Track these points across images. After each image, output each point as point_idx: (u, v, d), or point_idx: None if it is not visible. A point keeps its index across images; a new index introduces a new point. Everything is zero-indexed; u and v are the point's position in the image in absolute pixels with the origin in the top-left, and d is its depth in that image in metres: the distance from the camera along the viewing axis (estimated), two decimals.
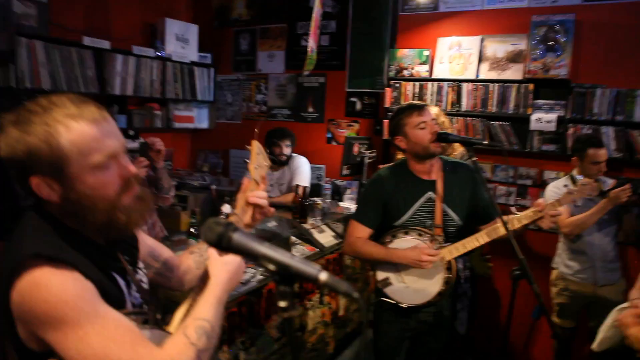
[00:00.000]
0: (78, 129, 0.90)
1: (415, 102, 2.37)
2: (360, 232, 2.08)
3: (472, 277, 3.09)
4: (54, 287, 0.83)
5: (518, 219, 1.90)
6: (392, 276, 2.04)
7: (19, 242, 0.90)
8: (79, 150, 0.89)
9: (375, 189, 2.08)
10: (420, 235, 1.98)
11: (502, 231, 1.89)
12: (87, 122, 0.91)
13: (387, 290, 2.04)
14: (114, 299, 0.93)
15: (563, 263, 2.85)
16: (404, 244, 1.99)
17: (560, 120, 3.07)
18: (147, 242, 1.21)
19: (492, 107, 3.30)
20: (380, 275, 2.06)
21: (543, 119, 3.11)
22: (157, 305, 1.09)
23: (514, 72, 3.25)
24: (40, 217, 0.94)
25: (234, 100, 4.71)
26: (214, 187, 4.07)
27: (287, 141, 3.58)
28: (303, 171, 3.62)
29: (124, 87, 3.83)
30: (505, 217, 1.85)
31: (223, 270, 1.02)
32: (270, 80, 4.49)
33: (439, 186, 2.03)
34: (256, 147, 1.23)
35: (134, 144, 3.85)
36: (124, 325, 0.88)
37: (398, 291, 2.03)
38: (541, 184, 3.20)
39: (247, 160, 1.23)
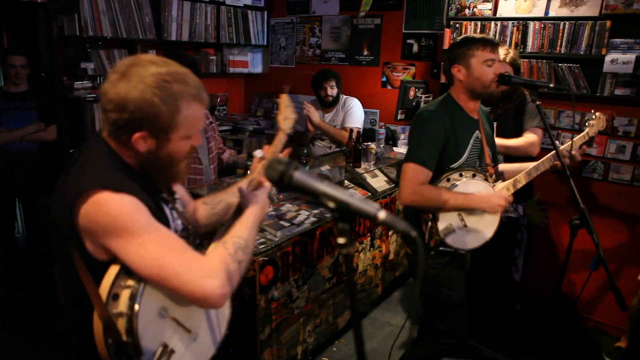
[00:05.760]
0: (195, 109, 1.07)
1: (489, 37, 2.20)
2: (424, 176, 1.89)
3: (528, 225, 3.02)
4: (114, 204, 0.97)
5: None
6: (454, 223, 1.94)
7: (82, 174, 1.02)
8: (188, 124, 1.06)
9: (435, 127, 1.91)
10: (474, 176, 1.94)
11: (549, 164, 1.99)
12: (200, 105, 1.08)
13: (449, 239, 1.94)
14: (162, 223, 1.07)
15: None
16: (470, 187, 1.91)
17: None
18: None
19: (561, 48, 3.07)
20: (442, 224, 1.92)
21: (619, 60, 2.86)
22: (194, 233, 1.25)
23: (589, 8, 2.97)
24: (101, 152, 1.07)
25: (288, 44, 4.66)
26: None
27: (332, 82, 3.53)
28: (355, 112, 3.57)
29: (180, 33, 3.88)
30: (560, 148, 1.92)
31: (254, 201, 1.22)
32: (324, 23, 4.38)
33: (481, 125, 2.03)
34: (285, 100, 1.32)
35: None
36: (173, 236, 1.03)
37: (459, 238, 1.95)
38: (611, 132, 3.00)
39: (276, 112, 1.32)
